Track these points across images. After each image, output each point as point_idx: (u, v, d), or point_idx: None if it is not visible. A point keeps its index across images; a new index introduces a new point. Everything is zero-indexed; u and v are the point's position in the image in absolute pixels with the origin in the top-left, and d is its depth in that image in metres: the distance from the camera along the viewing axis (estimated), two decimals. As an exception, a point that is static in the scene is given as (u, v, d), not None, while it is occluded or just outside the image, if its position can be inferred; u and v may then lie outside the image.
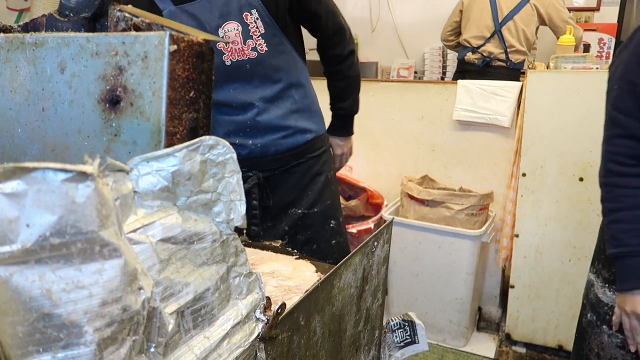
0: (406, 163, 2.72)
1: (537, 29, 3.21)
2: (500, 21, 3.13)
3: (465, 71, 3.27)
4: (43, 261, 0.40)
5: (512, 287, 2.38)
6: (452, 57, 3.93)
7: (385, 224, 1.03)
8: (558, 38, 3.12)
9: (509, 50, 3.16)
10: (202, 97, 0.64)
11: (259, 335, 0.63)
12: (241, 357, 0.60)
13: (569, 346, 2.31)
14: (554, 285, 2.29)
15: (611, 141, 1.16)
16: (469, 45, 3.27)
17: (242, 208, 0.58)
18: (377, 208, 2.73)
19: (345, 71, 1.64)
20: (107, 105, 0.63)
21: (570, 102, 2.08)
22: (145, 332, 0.48)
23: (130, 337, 0.45)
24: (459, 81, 2.53)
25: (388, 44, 4.38)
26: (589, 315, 1.29)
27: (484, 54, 3.22)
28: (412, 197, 2.46)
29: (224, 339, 0.58)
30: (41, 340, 0.40)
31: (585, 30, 3.30)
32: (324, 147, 1.65)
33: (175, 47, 0.60)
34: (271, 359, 0.67)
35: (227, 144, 0.57)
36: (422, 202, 2.42)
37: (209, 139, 0.56)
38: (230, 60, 1.41)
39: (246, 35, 1.39)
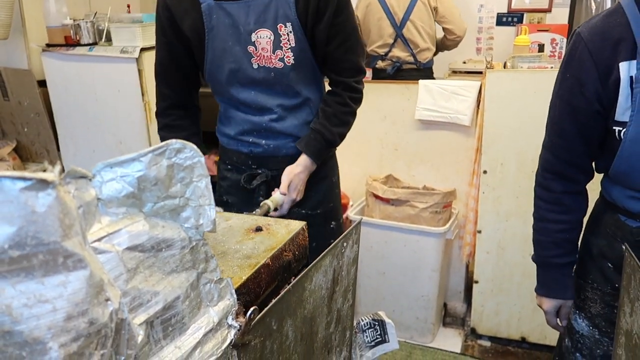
0: (370, 163, 2.73)
1: (435, 22, 3.29)
2: (398, 24, 3.19)
3: (380, 78, 3.25)
4: (1, 275, 0.37)
5: (476, 282, 2.43)
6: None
7: (354, 225, 1.02)
8: (444, 30, 3.27)
9: (414, 51, 3.23)
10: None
11: (231, 342, 0.61)
12: (214, 365, 0.58)
13: (531, 337, 2.38)
14: (515, 279, 2.35)
15: (543, 148, 1.23)
16: (376, 54, 3.31)
17: (212, 212, 0.57)
18: (343, 208, 2.73)
19: (346, 98, 1.54)
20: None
21: (527, 100, 2.14)
22: (114, 344, 0.46)
23: (97, 350, 0.43)
24: (420, 81, 2.56)
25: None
26: (566, 340, 1.30)
27: (393, 60, 3.27)
28: (376, 197, 2.48)
29: (195, 347, 0.56)
30: (1, 359, 0.38)
31: (538, 30, 3.40)
32: (330, 153, 1.67)
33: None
34: (244, 365, 0.65)
35: (195, 147, 0.56)
36: (387, 201, 2.45)
37: (175, 142, 0.55)
38: (257, 64, 1.43)
39: (276, 45, 1.41)
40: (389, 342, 1.24)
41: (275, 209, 1.46)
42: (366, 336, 1.22)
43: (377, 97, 2.65)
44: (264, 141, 1.55)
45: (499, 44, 4.04)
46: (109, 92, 2.47)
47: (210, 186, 0.57)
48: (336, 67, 1.52)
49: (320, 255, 0.86)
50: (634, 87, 0.99)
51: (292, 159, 1.55)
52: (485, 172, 2.27)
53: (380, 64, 3.31)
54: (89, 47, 2.46)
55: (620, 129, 1.04)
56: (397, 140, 2.67)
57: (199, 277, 0.59)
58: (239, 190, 1.61)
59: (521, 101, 2.15)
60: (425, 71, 3.29)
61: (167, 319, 0.54)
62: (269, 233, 1.01)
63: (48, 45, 2.54)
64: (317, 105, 1.58)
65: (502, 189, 2.27)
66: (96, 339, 0.43)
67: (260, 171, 1.58)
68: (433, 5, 3.21)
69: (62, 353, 0.39)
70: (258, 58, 1.43)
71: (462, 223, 2.54)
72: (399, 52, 3.25)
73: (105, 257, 0.48)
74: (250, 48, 1.41)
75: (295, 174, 1.49)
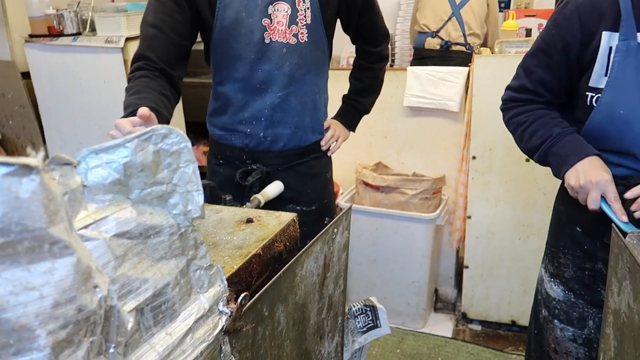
0: (359, 150, 2.73)
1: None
2: (457, 3, 3.16)
3: (425, 57, 3.23)
4: (-14, 263, 0.37)
5: (466, 267, 2.44)
6: (401, 44, 3.95)
7: (344, 211, 1.02)
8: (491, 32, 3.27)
9: (467, 33, 3.19)
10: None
11: (222, 328, 0.61)
12: (205, 351, 0.58)
13: (521, 321, 2.41)
14: (505, 263, 2.37)
15: (507, 90, 1.31)
16: (427, 30, 3.26)
17: (200, 198, 0.56)
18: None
19: (378, 71, 1.72)
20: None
21: (514, 85, 2.14)
22: (103, 332, 0.46)
23: (87, 338, 0.43)
24: (408, 67, 2.56)
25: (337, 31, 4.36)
26: (543, 311, 1.32)
27: (443, 38, 3.22)
28: (366, 184, 2.48)
29: (186, 334, 0.56)
30: (-12, 347, 0.37)
31: (525, 15, 3.40)
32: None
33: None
34: (236, 351, 0.65)
35: (181, 132, 0.55)
36: (377, 188, 2.45)
37: (161, 128, 0.54)
38: (270, 38, 1.39)
39: (293, 19, 1.38)
40: (380, 327, 1.25)
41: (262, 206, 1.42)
42: (358, 322, 1.23)
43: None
44: (261, 133, 1.50)
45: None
46: (95, 83, 2.44)
47: (197, 172, 0.56)
48: (372, 38, 1.63)
49: (311, 242, 0.86)
50: (614, 56, 1.07)
51: (288, 154, 1.54)
52: (474, 157, 2.28)
53: (429, 41, 3.26)
54: (72, 37, 2.42)
55: (594, 94, 1.11)
56: (386, 128, 2.67)
57: (189, 264, 0.58)
58: (230, 186, 1.53)
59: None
60: (470, 55, 3.24)
61: (157, 306, 0.53)
62: (260, 224, 1.01)
63: (31, 36, 2.50)
64: (322, 89, 1.57)
65: (491, 174, 2.29)
66: (85, 326, 0.42)
67: (255, 167, 1.53)
68: (489, 2, 3.22)
69: (50, 340, 0.39)
70: (272, 32, 1.38)
71: (452, 209, 2.55)
72: (451, 31, 3.19)
73: (93, 244, 0.47)
74: (265, 21, 1.37)
75: (339, 136, 1.70)
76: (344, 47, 4.31)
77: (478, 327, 2.51)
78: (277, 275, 0.74)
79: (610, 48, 1.07)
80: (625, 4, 1.05)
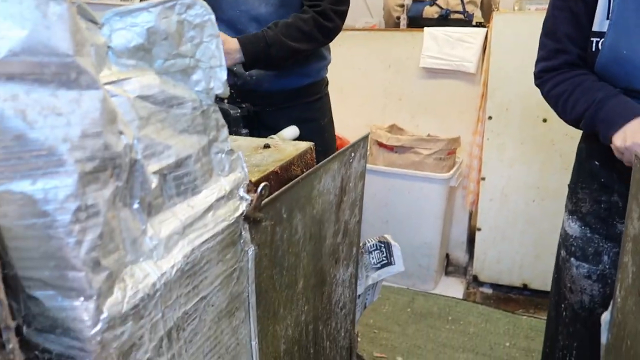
0: (373, 113, 2.71)
1: None
2: None
3: (423, 27, 3.20)
4: (15, 80, 0.37)
5: (479, 229, 2.43)
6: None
7: (361, 137, 1.02)
8: None
9: (465, 1, 3.13)
10: None
11: (243, 212, 0.61)
12: (226, 230, 0.58)
13: (533, 284, 2.40)
14: (518, 226, 2.36)
15: (538, 61, 1.27)
16: None
17: (222, 74, 0.56)
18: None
19: (314, 23, 1.42)
20: None
21: (534, 42, 2.07)
22: (129, 184, 0.46)
23: (112, 180, 0.43)
24: (425, 28, 2.52)
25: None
26: (562, 252, 1.33)
27: (442, 6, 3.17)
28: (380, 144, 2.47)
29: (208, 209, 0.56)
30: (17, 165, 0.37)
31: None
32: (320, 94, 1.63)
33: None
34: (255, 243, 0.65)
35: (205, 4, 0.54)
36: (391, 148, 2.44)
37: (185, -3, 0.53)
38: None
39: None
40: (394, 264, 1.25)
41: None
42: (372, 257, 1.23)
43: (381, 45, 2.61)
44: (247, 72, 1.47)
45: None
46: None
47: (221, 47, 0.56)
48: None
49: (329, 157, 0.86)
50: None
51: (274, 97, 1.53)
52: (490, 118, 2.25)
53: (428, 10, 3.21)
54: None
55: (598, 39, 1.12)
56: (401, 90, 2.64)
57: (210, 145, 0.58)
58: None
59: (528, 44, 2.09)
60: (469, 22, 3.18)
61: (179, 177, 0.53)
62: (277, 150, 1.01)
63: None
64: None
65: (506, 135, 2.26)
66: (111, 167, 0.42)
67: (243, 106, 1.53)
68: None
69: (77, 168, 0.39)
70: None
71: (466, 173, 2.53)
72: None
73: (117, 100, 0.47)
74: None
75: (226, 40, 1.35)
76: (357, 19, 4.29)
77: (489, 290, 2.51)
78: (296, 179, 0.74)
79: None
80: None
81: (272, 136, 1.42)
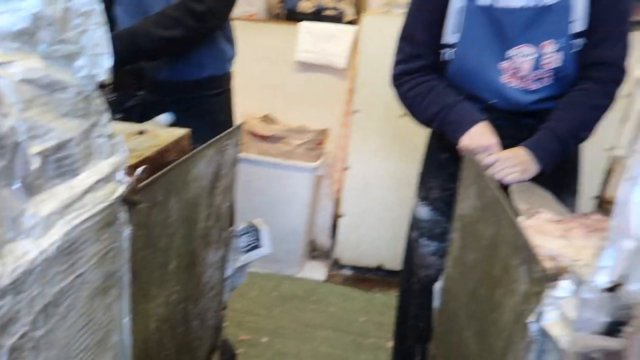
0: (248, 103, 2.76)
1: None
2: None
3: (300, 20, 3.30)
4: None
5: (342, 216, 2.62)
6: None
7: (236, 126, 1.08)
8: None
9: None
10: None
11: (121, 194, 0.64)
12: (104, 211, 0.61)
13: (387, 265, 2.65)
14: (377, 212, 2.58)
15: (396, 63, 1.42)
16: None
17: (107, 62, 0.59)
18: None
19: (180, 5, 1.40)
20: None
21: (397, 47, 2.31)
22: (10, 164, 0.48)
23: (-3, 160, 0.45)
24: (302, 22, 2.63)
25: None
26: (413, 234, 1.52)
27: (316, 2, 3.29)
28: (254, 135, 2.54)
29: (87, 190, 0.59)
30: None
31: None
32: (220, 89, 1.62)
33: None
34: (132, 224, 0.69)
35: (91, -6, 0.57)
36: (264, 138, 2.52)
37: (71, -13, 0.55)
38: None
39: None
40: (263, 247, 1.33)
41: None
42: (241, 241, 1.30)
43: (256, 37, 2.67)
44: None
45: None
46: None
47: (107, 35, 0.58)
48: None
49: (204, 144, 0.91)
50: (463, 16, 1.24)
51: (172, 86, 1.52)
52: (356, 112, 2.44)
53: (302, 5, 3.25)
54: None
55: (448, 50, 1.29)
56: (276, 81, 2.73)
57: (92, 128, 0.61)
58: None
59: (393, 45, 2.32)
60: (339, 19, 3.29)
61: (60, 159, 0.56)
62: (153, 136, 1.03)
63: None
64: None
65: (370, 129, 2.46)
66: (-4, 147, 0.44)
67: (139, 93, 1.52)
68: None
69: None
70: None
71: (333, 163, 2.71)
72: None
73: (1, 82, 0.49)
74: None
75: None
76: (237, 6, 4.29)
77: (349, 272, 2.72)
78: (173, 164, 0.78)
79: (460, 7, 1.25)
80: None
81: (146, 122, 1.42)
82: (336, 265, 2.74)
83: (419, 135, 2.39)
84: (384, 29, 2.29)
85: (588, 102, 1.19)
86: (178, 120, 1.55)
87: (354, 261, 2.70)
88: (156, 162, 0.94)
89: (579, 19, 1.17)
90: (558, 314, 0.56)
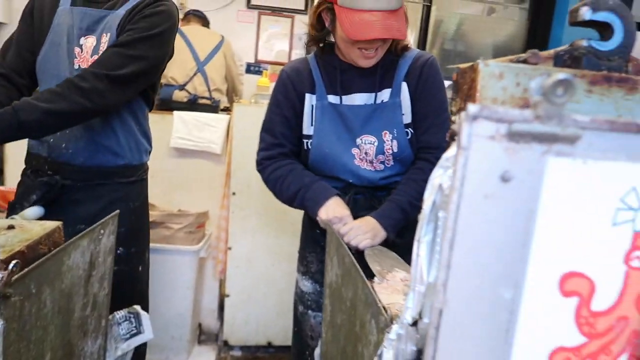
0: (125, 189, 2.75)
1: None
2: (202, 60, 3.46)
3: (173, 109, 3.41)
4: None
5: (227, 295, 2.64)
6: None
7: (111, 215, 1.13)
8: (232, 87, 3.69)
9: (211, 88, 3.51)
10: None
11: (-6, 289, 0.67)
12: (-23, 306, 0.64)
13: (276, 341, 2.69)
14: (261, 288, 2.64)
15: (259, 151, 1.56)
16: (175, 83, 3.47)
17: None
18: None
19: (64, 82, 1.42)
20: None
21: (267, 131, 2.50)
22: None
23: None
24: (175, 112, 2.74)
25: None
26: (300, 308, 1.62)
27: (190, 92, 3.47)
28: (131, 220, 2.52)
29: (-41, 287, 0.62)
30: None
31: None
32: (134, 177, 1.68)
33: None
34: (3, 318, 0.71)
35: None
36: (142, 223, 2.50)
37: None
38: (79, 65, 1.51)
39: (95, 50, 1.51)
40: (144, 332, 1.34)
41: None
42: (122, 329, 1.30)
43: (132, 124, 2.71)
44: (63, 144, 1.54)
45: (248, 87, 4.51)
46: None
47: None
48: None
49: (79, 235, 0.95)
50: (314, 111, 1.47)
51: (88, 172, 1.57)
52: (234, 193, 2.54)
53: (177, 94, 3.35)
54: None
55: (307, 140, 1.48)
56: (154, 167, 2.76)
57: (-37, 228, 0.64)
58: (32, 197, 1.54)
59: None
60: (216, 109, 3.37)
61: None
62: (23, 230, 1.04)
63: None
64: (130, 117, 1.62)
65: (249, 208, 2.57)
66: None
67: (56, 178, 1.54)
68: (228, 62, 3.52)
69: None
70: (80, 60, 1.51)
71: (215, 244, 2.75)
72: (197, 85, 3.35)
73: None
74: (76, 50, 1.52)
75: None
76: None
77: (238, 353, 2.70)
78: (46, 256, 0.82)
79: (312, 105, 1.47)
80: (316, 74, 1.47)
81: (14, 216, 1.40)
82: (225, 346, 2.71)
83: (295, 211, 2.57)
84: (253, 117, 2.47)
85: (422, 177, 1.42)
86: (87, 205, 1.58)
87: (243, 340, 2.70)
88: (27, 256, 0.96)
89: (406, 113, 1.43)
90: (392, 353, 0.68)
